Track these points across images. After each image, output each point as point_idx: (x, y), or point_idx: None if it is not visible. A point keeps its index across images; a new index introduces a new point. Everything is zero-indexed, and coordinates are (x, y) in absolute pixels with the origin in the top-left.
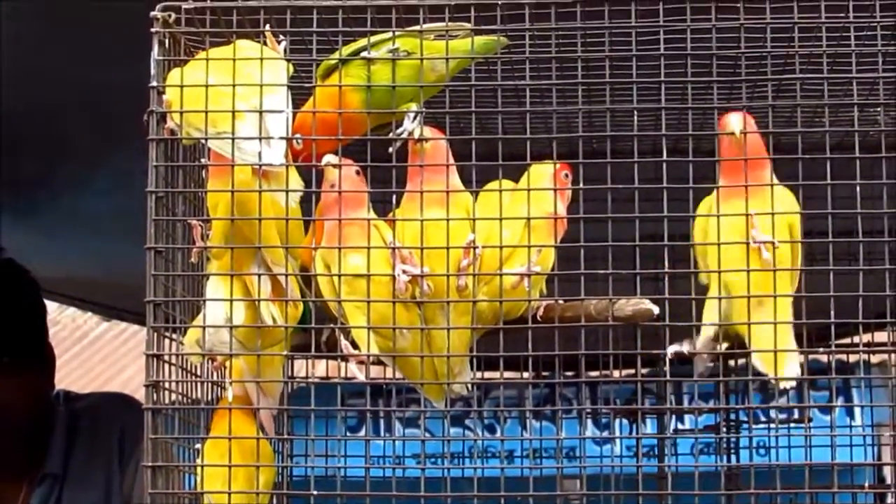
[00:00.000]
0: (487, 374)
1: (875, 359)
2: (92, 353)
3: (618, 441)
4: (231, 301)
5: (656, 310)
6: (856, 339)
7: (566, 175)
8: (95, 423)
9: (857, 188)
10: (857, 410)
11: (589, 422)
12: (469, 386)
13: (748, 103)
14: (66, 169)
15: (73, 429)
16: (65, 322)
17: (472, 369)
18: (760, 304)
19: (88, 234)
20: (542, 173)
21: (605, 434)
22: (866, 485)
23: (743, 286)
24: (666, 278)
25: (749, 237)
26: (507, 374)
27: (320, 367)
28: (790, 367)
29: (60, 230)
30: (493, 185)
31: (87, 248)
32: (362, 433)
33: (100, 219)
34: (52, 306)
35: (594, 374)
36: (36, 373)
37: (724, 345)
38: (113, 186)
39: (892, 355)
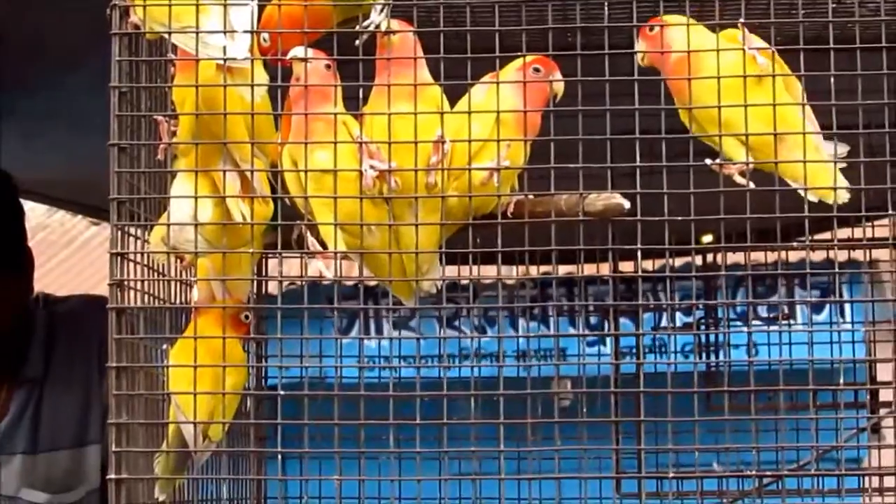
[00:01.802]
0: (477, 271)
1: (858, 255)
2: (82, 256)
3: (607, 341)
4: (196, 198)
5: (627, 204)
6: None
7: (536, 69)
8: (76, 326)
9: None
10: (847, 308)
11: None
12: (438, 284)
13: None
14: (43, 68)
15: (53, 332)
16: (53, 226)
17: (441, 266)
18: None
19: (74, 133)
20: (511, 68)
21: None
22: (841, 382)
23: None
24: (638, 171)
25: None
26: (491, 271)
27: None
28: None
29: (41, 130)
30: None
31: (72, 149)
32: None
33: (83, 117)
34: (40, 210)
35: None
36: (15, 276)
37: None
38: (95, 84)
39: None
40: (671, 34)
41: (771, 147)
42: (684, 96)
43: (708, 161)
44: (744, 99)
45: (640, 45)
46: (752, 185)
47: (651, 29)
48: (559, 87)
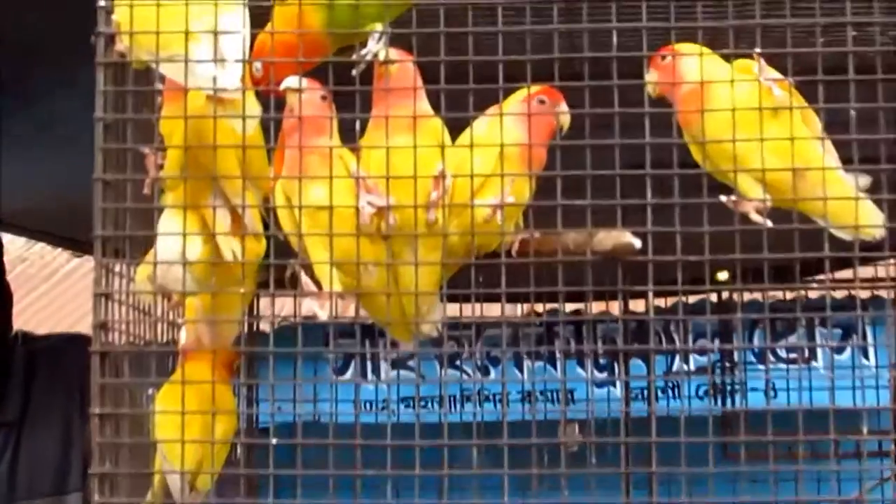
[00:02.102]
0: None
1: (883, 293)
2: (62, 290)
3: (618, 384)
4: (184, 235)
5: (638, 243)
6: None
7: (541, 101)
8: (56, 366)
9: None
10: (871, 349)
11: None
12: (439, 326)
13: (734, 21)
14: (24, 91)
15: (32, 372)
16: (33, 259)
17: (443, 307)
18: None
19: (54, 160)
20: (515, 99)
21: (600, 376)
22: (865, 429)
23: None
24: (649, 209)
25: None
26: (495, 309)
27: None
28: (872, 214)
29: (21, 155)
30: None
31: (52, 177)
32: (348, 376)
33: (65, 144)
34: (19, 242)
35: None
36: None
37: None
38: (80, 108)
39: None
40: (684, 64)
41: (789, 183)
42: (696, 130)
43: (723, 198)
44: (759, 133)
45: (650, 76)
46: (769, 224)
47: (663, 58)
48: (566, 120)
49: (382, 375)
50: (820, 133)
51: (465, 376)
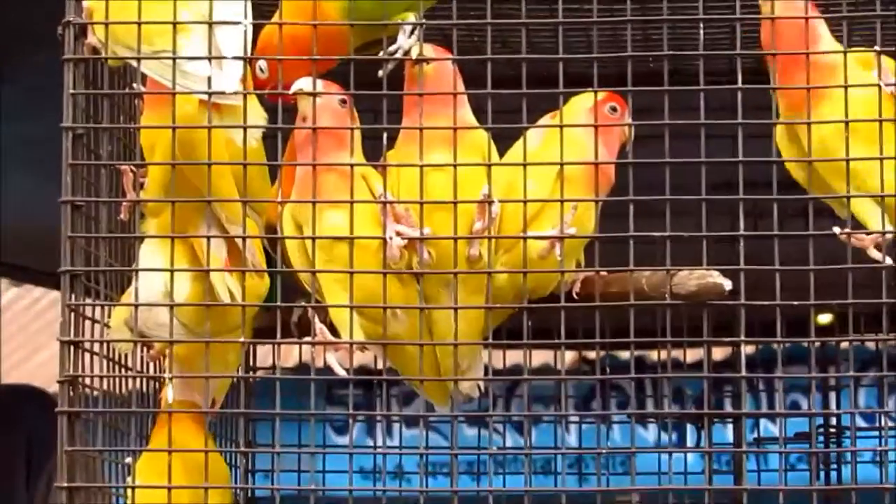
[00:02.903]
0: (511, 359)
1: None
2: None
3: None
4: (171, 271)
5: (728, 284)
6: None
7: (613, 109)
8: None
9: None
10: None
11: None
12: (482, 385)
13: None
14: None
15: None
16: None
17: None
18: None
19: None
20: (580, 107)
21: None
22: None
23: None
24: (742, 241)
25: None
26: (539, 360)
27: (293, 353)
28: None
29: None
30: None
31: None
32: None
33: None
34: None
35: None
36: None
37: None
38: (16, 108)
39: None
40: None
41: None
42: (799, 112)
43: (836, 230)
44: (880, 146)
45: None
46: (889, 262)
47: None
48: (632, 131)
49: (395, 437)
50: None
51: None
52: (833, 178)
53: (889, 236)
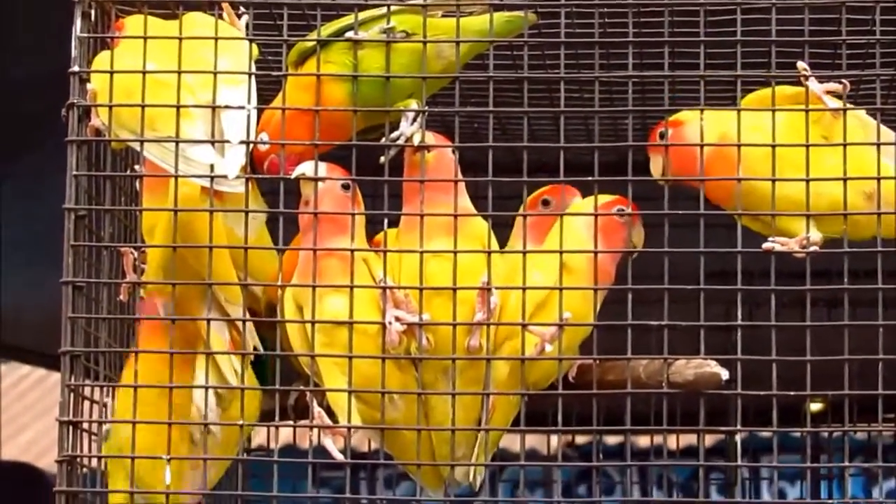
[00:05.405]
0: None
1: None
2: None
3: None
4: (171, 353)
5: (725, 374)
6: None
7: (619, 211)
8: None
9: None
10: None
11: None
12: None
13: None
14: None
15: None
16: None
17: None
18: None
19: None
20: (588, 206)
21: None
22: None
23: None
24: (739, 331)
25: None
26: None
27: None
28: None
29: None
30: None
31: None
32: None
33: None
34: None
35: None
36: None
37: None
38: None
39: None
40: (689, 130)
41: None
42: (728, 193)
43: (766, 244)
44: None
45: (654, 163)
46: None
47: (661, 136)
48: (640, 239)
49: None
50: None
51: None
52: (763, 205)
53: (815, 237)
